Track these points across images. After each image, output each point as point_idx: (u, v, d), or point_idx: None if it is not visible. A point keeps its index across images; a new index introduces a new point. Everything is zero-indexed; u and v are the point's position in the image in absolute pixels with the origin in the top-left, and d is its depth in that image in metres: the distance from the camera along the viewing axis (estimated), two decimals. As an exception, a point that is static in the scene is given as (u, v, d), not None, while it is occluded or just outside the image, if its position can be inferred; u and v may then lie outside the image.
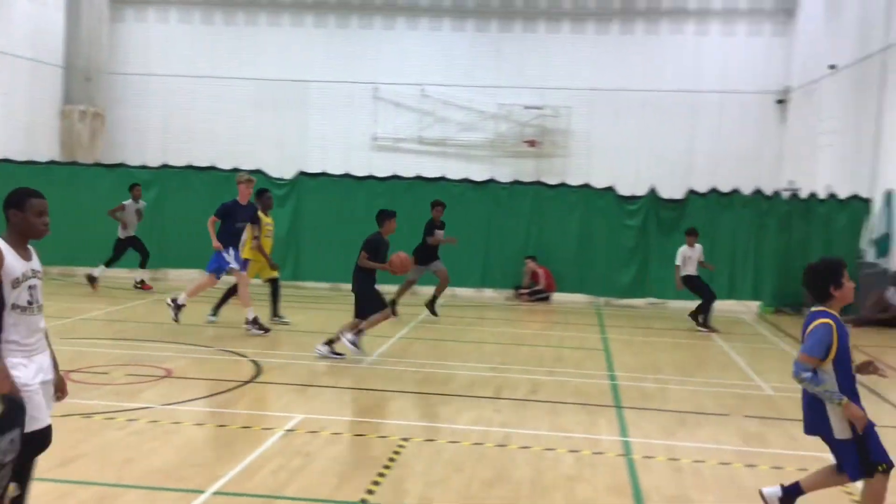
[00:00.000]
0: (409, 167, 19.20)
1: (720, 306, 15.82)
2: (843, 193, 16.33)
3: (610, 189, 16.62)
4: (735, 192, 16.45)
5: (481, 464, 6.62)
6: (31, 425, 4.10)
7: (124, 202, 15.59)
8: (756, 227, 16.11)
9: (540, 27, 22.92)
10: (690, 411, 8.58)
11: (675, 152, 21.88)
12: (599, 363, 10.88)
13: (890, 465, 5.04)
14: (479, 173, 18.75)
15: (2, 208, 4.33)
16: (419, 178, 17.15)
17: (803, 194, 17.18)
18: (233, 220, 11.60)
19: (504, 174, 19.02)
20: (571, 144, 22.50)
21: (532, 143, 22.48)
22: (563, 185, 17.17)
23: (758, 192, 16.48)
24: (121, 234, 15.53)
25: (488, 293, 17.05)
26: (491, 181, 17.27)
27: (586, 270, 16.48)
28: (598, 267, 16.41)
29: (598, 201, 16.45)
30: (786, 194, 17.55)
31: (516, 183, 17.32)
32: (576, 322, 14.47)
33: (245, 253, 12.01)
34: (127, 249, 15.54)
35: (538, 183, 17.41)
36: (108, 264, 15.38)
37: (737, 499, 6.19)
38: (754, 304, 16.44)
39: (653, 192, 16.47)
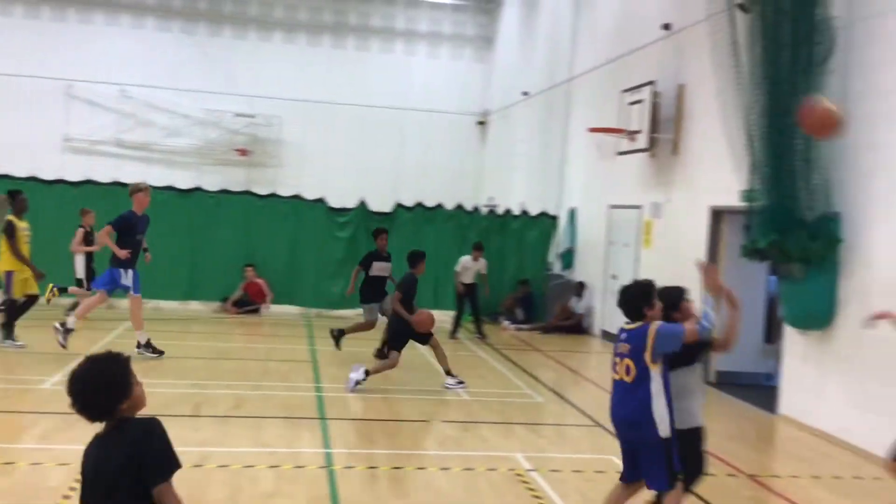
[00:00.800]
0: (106, 172, 17.91)
1: (439, 316, 16.44)
2: (534, 210, 17.72)
3: (321, 200, 16.69)
4: (439, 206, 17.24)
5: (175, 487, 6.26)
6: None
7: None
8: (458, 240, 16.97)
9: (250, 34, 22.52)
10: (392, 419, 8.79)
11: (384, 166, 22.50)
12: (307, 375, 10.83)
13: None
14: (185, 181, 17.99)
15: None
16: (117, 183, 16.02)
17: (500, 210, 18.42)
18: (133, 233, 10.61)
19: (212, 182, 18.37)
20: (283, 154, 22.32)
21: (243, 152, 21.98)
22: (273, 195, 16.95)
23: (460, 208, 17.42)
24: None
25: (194, 306, 16.34)
26: (198, 189, 16.63)
27: (297, 282, 16.40)
28: (308, 278, 16.39)
29: (309, 213, 16.46)
30: (485, 210, 18.71)
31: (224, 192, 16.83)
32: (285, 334, 14.31)
33: (6, 265, 10.97)
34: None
35: (248, 192, 17.04)
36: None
37: (432, 501, 6.42)
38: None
39: (363, 205, 16.78)
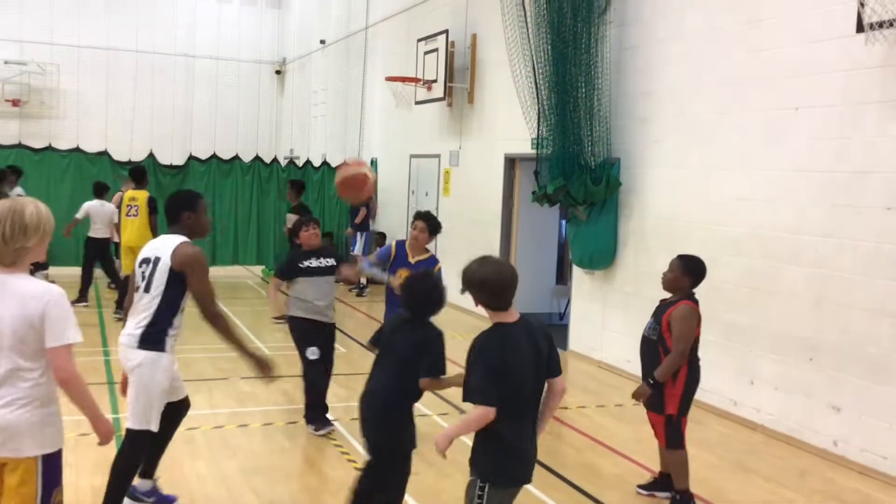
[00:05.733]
0: None
1: (227, 272, 15.94)
2: (335, 161, 17.49)
3: (104, 153, 15.62)
4: (236, 158, 16.63)
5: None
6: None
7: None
8: (258, 194, 16.51)
9: (16, -28, 20.51)
10: (188, 379, 8.43)
11: (174, 117, 21.38)
12: (93, 339, 10.18)
13: None
14: (-54, 134, 16.23)
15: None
16: None
17: (300, 162, 18.06)
18: None
19: (-21, 136, 16.74)
20: (60, 105, 20.63)
21: (14, 103, 20.12)
22: (49, 148, 15.63)
23: (258, 160, 16.88)
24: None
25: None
26: (-39, 143, 15.05)
27: (81, 240, 15.26)
28: (93, 238, 15.31)
29: (92, 167, 15.33)
30: (284, 161, 18.28)
31: (-7, 146, 15.35)
32: (69, 297, 13.34)
33: None
34: None
35: (21, 146, 15.61)
36: None
37: (227, 458, 6.26)
38: (258, 269, 16.90)
39: (151, 157, 15.87)
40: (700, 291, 8.49)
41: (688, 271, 5.59)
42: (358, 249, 14.66)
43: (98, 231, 12.60)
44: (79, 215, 12.63)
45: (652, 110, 9.13)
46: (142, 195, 11.58)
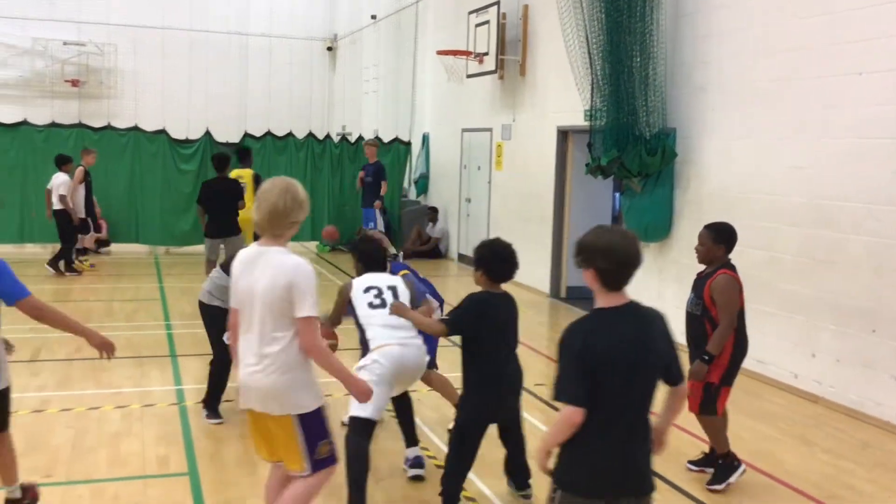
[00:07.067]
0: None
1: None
2: (387, 137, 17.56)
3: (162, 132, 15.89)
4: (290, 135, 16.79)
5: (14, 434, 5.92)
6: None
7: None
8: (311, 170, 16.67)
9: (73, -46, 20.87)
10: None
11: (229, 95, 21.63)
12: (155, 313, 10.45)
13: None
14: (10, 115, 16.64)
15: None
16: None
17: (353, 138, 18.14)
18: None
19: (41, 116, 17.15)
20: (118, 84, 21.03)
21: (75, 83, 20.56)
22: (109, 127, 15.95)
23: (311, 136, 17.02)
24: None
25: (30, 249, 15.35)
26: (24, 123, 15.42)
27: (141, 218, 15.63)
28: (153, 214, 15.64)
29: (150, 145, 15.62)
30: (337, 138, 18.41)
31: (54, 125, 15.71)
32: (131, 273, 13.70)
33: None
34: None
35: (80, 125, 15.96)
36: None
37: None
38: (312, 245, 17.10)
39: (208, 135, 16.10)
40: (759, 263, 8.34)
41: (718, 239, 5.45)
42: (379, 227, 14.20)
43: (53, 204, 12.87)
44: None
45: (709, 79, 8.95)
46: (247, 173, 12.25)
